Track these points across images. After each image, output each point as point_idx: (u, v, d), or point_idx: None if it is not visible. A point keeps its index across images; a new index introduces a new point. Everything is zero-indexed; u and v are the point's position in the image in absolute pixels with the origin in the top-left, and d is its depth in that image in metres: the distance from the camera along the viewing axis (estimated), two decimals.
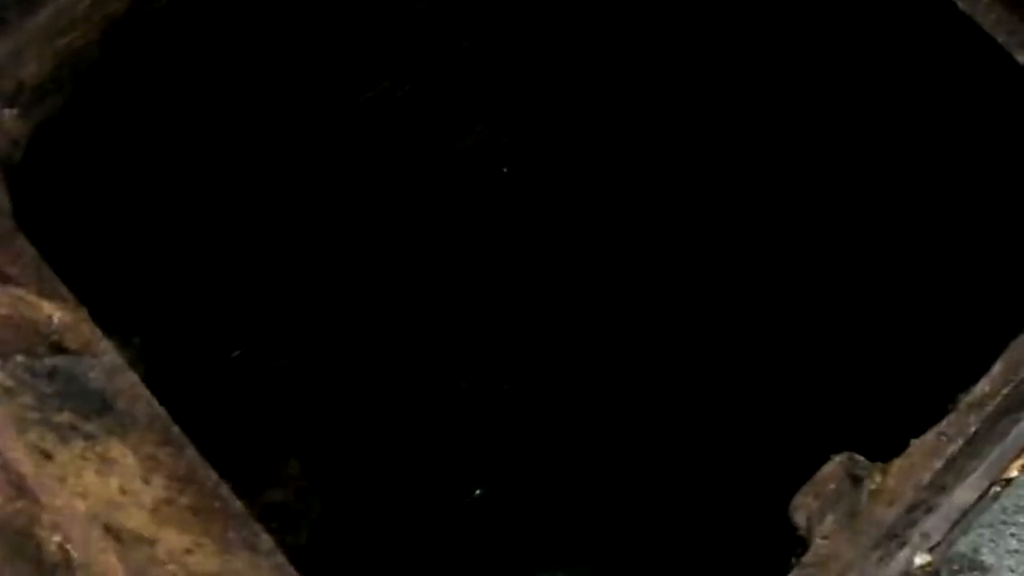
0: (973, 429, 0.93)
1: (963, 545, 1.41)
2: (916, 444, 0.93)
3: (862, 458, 0.94)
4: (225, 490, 0.88)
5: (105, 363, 0.90)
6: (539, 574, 1.61)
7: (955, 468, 0.92)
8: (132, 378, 0.90)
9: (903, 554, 0.90)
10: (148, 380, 1.24)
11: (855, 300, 1.37)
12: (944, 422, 0.94)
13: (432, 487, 1.61)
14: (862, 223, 1.34)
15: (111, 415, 0.88)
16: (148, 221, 1.30)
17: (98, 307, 1.07)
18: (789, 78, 1.33)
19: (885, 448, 0.94)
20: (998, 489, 0.92)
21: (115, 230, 1.26)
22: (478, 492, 1.64)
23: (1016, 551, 1.42)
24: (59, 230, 1.15)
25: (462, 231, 1.58)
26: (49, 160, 1.07)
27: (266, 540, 0.88)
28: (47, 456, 0.84)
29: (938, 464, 0.92)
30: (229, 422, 1.47)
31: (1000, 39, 1.05)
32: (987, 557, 1.42)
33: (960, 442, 0.93)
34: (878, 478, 0.93)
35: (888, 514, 0.91)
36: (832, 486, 0.93)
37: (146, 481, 0.86)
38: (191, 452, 0.89)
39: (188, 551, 0.84)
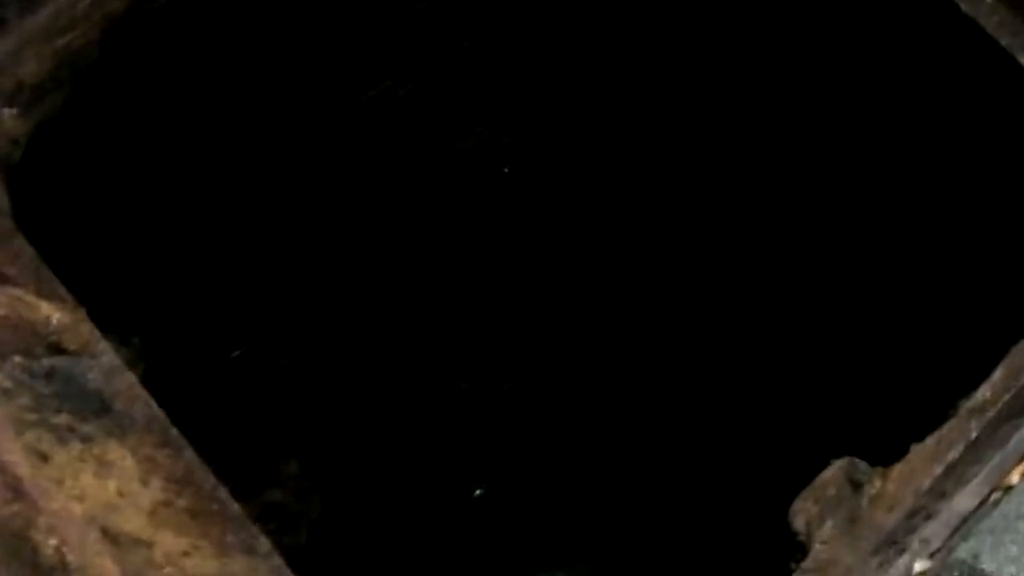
0: (974, 435, 0.93)
1: (963, 551, 1.41)
2: (916, 449, 0.93)
3: (862, 463, 0.93)
4: (223, 492, 0.88)
5: (103, 364, 0.90)
6: (539, 574, 1.61)
7: (955, 474, 0.92)
8: (130, 379, 0.90)
9: (903, 560, 0.89)
10: (148, 380, 1.24)
11: (856, 305, 1.36)
12: (945, 428, 0.93)
13: (432, 487, 1.61)
14: (864, 226, 1.33)
15: (109, 416, 0.88)
16: (148, 220, 1.29)
17: (98, 306, 1.06)
18: (791, 79, 1.33)
19: (886, 453, 0.94)
20: (999, 495, 0.92)
21: (115, 229, 1.26)
22: (478, 492, 1.64)
23: (1016, 558, 1.41)
24: (59, 229, 1.14)
25: (462, 231, 1.58)
26: (49, 159, 1.07)
27: (264, 543, 0.87)
28: (44, 458, 0.84)
29: (938, 470, 0.92)
30: (229, 422, 1.46)
31: (1003, 41, 1.05)
32: (987, 564, 1.41)
33: (961, 448, 0.93)
34: (878, 483, 0.92)
35: (888, 520, 0.91)
36: (832, 491, 0.92)
37: (144, 483, 0.86)
38: (189, 454, 0.88)
39: (185, 554, 0.84)
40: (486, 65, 1.48)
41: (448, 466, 1.62)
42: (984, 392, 0.94)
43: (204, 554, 0.85)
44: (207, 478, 0.88)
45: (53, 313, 0.89)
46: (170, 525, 0.85)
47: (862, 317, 1.35)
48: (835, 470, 0.93)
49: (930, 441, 0.93)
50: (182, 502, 0.86)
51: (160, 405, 0.94)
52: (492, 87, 1.51)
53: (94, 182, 1.19)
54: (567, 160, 1.57)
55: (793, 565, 0.90)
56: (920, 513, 0.91)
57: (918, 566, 0.89)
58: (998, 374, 0.95)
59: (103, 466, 0.85)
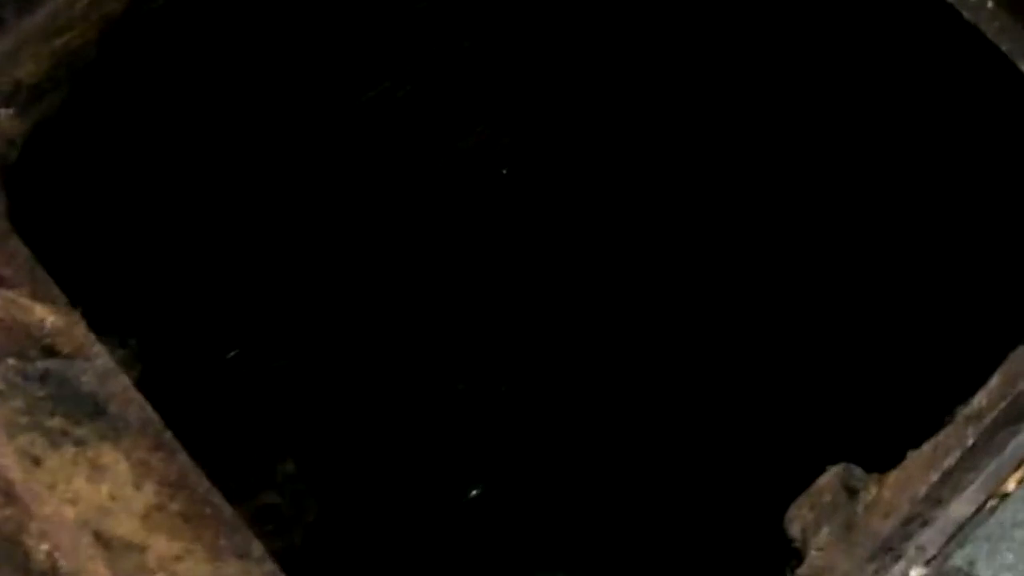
0: (970, 442, 0.93)
1: (959, 559, 1.41)
2: (913, 456, 0.93)
3: (859, 469, 0.93)
4: (216, 496, 0.88)
5: (97, 367, 0.89)
6: (538, 574, 1.61)
7: (952, 481, 0.92)
8: (124, 382, 0.90)
9: (898, 567, 0.89)
10: (145, 381, 1.24)
11: (853, 311, 1.36)
12: (941, 434, 0.93)
13: (428, 488, 1.61)
14: (863, 232, 1.33)
15: (103, 419, 0.88)
16: (145, 221, 1.29)
17: (95, 307, 1.06)
18: (793, 84, 1.33)
19: (882, 459, 0.94)
20: (995, 503, 0.91)
21: (112, 230, 1.26)
22: (475, 492, 1.64)
23: (1012, 566, 1.41)
24: (56, 229, 1.14)
25: (461, 232, 1.57)
26: (46, 160, 1.07)
27: (257, 547, 0.87)
28: (37, 462, 0.84)
29: (934, 477, 0.92)
30: (225, 422, 1.46)
31: (1004, 47, 1.05)
32: (983, 571, 1.41)
33: (957, 455, 0.92)
34: (874, 490, 0.92)
35: (884, 526, 0.91)
36: (828, 497, 0.92)
37: (137, 487, 0.85)
38: (183, 457, 0.88)
39: (178, 558, 0.84)
40: (485, 66, 1.48)
41: (445, 467, 1.61)
42: (981, 399, 0.94)
43: (197, 558, 0.84)
44: (201, 481, 0.88)
45: (47, 316, 0.89)
46: (163, 529, 0.85)
47: (859, 323, 1.35)
48: (831, 476, 0.92)
49: (926, 448, 0.93)
50: (175, 506, 0.86)
51: (157, 406, 0.94)
52: (491, 88, 1.51)
53: (91, 183, 1.19)
54: (566, 161, 1.57)
55: (789, 571, 0.90)
56: (916, 520, 0.91)
57: (914, 573, 0.89)
58: (995, 381, 0.95)
59: (96, 470, 0.85)
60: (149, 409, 0.89)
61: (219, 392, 1.47)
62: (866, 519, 0.91)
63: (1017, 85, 1.04)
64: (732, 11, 1.32)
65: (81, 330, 0.90)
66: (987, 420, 0.93)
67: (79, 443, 0.86)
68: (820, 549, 0.90)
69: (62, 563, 0.80)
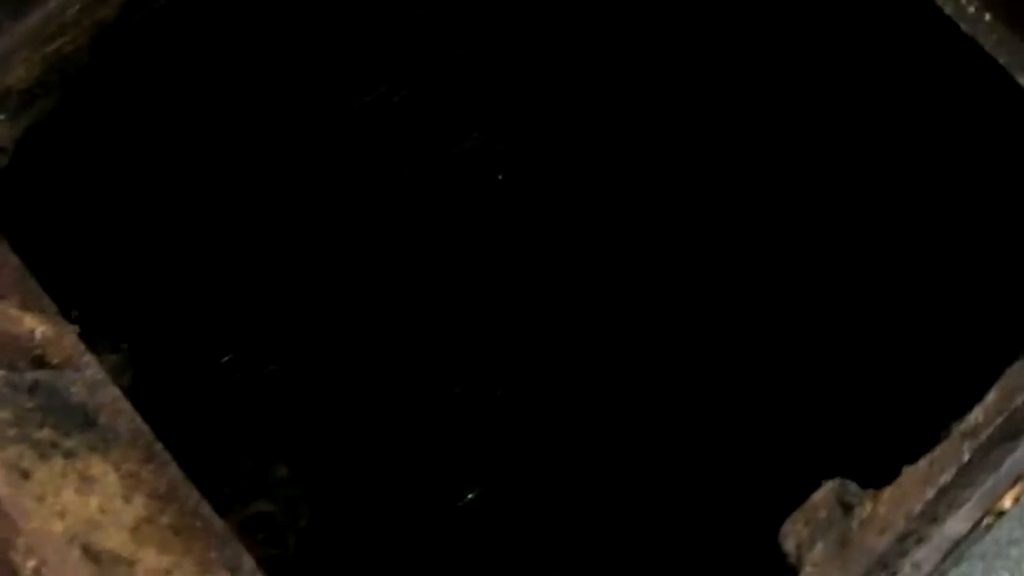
0: (967, 458, 0.92)
1: None
2: (908, 472, 0.92)
3: (854, 485, 0.92)
4: (207, 508, 0.87)
5: (87, 377, 0.89)
6: None
7: (947, 498, 0.91)
8: (114, 392, 0.89)
9: None
10: (137, 386, 1.23)
11: (849, 325, 1.36)
12: (937, 450, 0.93)
13: (424, 492, 1.60)
14: (861, 244, 1.33)
15: (93, 431, 0.87)
16: (138, 226, 1.29)
17: (87, 313, 1.06)
18: (789, 96, 1.32)
19: (878, 474, 0.93)
20: (991, 520, 0.91)
21: (104, 235, 1.25)
22: (470, 496, 1.63)
23: None
24: (47, 235, 1.14)
25: (456, 237, 1.57)
26: (37, 166, 1.07)
27: (248, 560, 0.86)
28: (25, 475, 0.83)
29: (930, 493, 0.91)
30: (218, 426, 1.46)
31: (1002, 60, 1.04)
32: None
33: (953, 471, 0.92)
34: (869, 506, 0.91)
35: (879, 543, 0.90)
36: (823, 513, 0.91)
37: (127, 500, 0.85)
38: (173, 469, 0.87)
39: (168, 572, 0.83)
40: (481, 71, 1.48)
41: (440, 471, 1.61)
42: (977, 414, 0.94)
43: (187, 572, 0.84)
44: (191, 493, 0.87)
45: (37, 326, 0.88)
46: (153, 542, 0.84)
47: (855, 337, 1.35)
48: (826, 492, 0.92)
49: (922, 463, 0.92)
50: (165, 519, 0.85)
51: (149, 411, 0.93)
52: (487, 93, 1.51)
53: (83, 188, 1.18)
54: (562, 167, 1.56)
55: None
56: (911, 537, 0.90)
57: None
58: (992, 396, 0.94)
59: (85, 482, 0.84)
60: (139, 420, 0.89)
61: (212, 397, 1.47)
62: (861, 535, 0.90)
63: (1014, 98, 1.04)
64: (729, 22, 1.32)
65: (71, 340, 0.89)
66: (983, 436, 0.93)
67: (68, 455, 0.85)
68: (815, 565, 0.90)
69: None
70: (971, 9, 1.05)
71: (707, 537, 1.44)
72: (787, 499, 0.93)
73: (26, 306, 0.89)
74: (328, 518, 1.50)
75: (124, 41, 1.07)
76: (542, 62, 1.49)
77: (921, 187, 1.23)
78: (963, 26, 1.04)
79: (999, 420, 0.93)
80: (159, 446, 0.88)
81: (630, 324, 1.58)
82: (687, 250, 1.52)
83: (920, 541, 0.90)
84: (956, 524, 0.90)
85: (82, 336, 0.93)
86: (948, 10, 1.05)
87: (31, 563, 0.78)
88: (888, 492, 0.92)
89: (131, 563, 0.82)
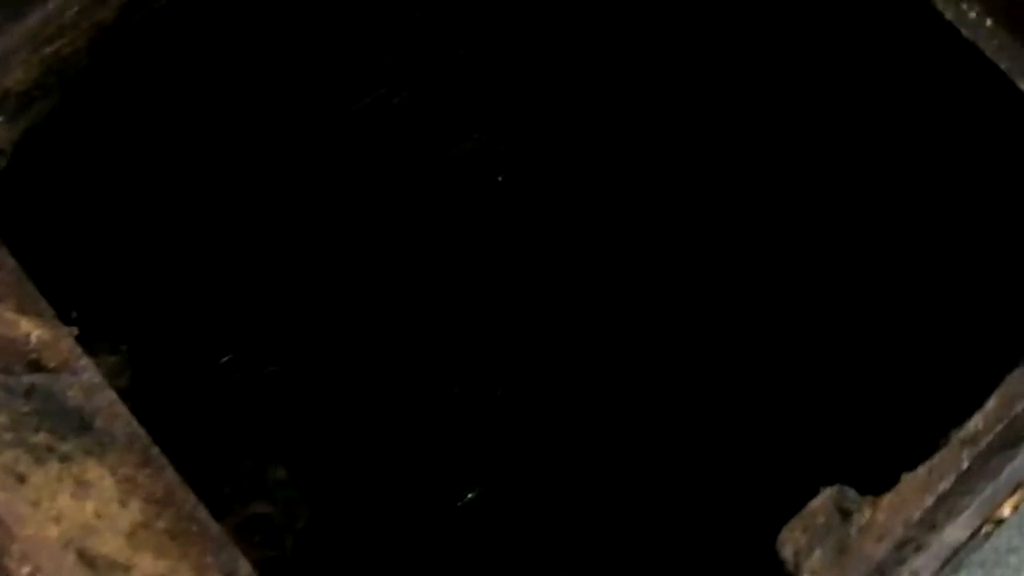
0: (966, 465, 0.92)
1: None
2: (907, 479, 0.92)
3: (852, 491, 0.92)
4: (203, 513, 0.87)
5: (84, 381, 0.88)
6: None
7: (946, 505, 0.91)
8: (111, 396, 0.89)
9: None
10: (136, 386, 1.23)
11: (848, 331, 1.35)
12: (936, 457, 0.92)
13: (424, 492, 1.60)
14: (859, 250, 1.32)
15: (89, 435, 0.87)
16: (137, 228, 1.29)
17: (86, 314, 1.05)
18: (789, 101, 1.32)
19: (876, 481, 0.93)
20: (990, 528, 0.91)
21: (103, 236, 1.25)
22: (470, 496, 1.63)
23: None
24: (46, 237, 1.14)
25: (456, 238, 1.57)
26: (35, 168, 1.06)
27: (244, 565, 0.86)
28: (21, 479, 0.83)
29: (929, 500, 0.91)
30: (217, 428, 1.46)
31: (1003, 65, 1.04)
32: None
33: (952, 478, 0.92)
34: (868, 513, 0.91)
35: (877, 550, 0.90)
36: (821, 520, 0.91)
37: (123, 504, 0.84)
38: (170, 473, 0.87)
39: None
40: (482, 73, 1.47)
41: (439, 471, 1.61)
42: (977, 422, 0.93)
43: None
44: (188, 498, 0.87)
45: (33, 330, 0.88)
46: (149, 547, 0.84)
47: (854, 344, 1.35)
48: (824, 498, 0.92)
49: (921, 471, 0.92)
50: (161, 523, 0.85)
51: (148, 412, 0.93)
52: (488, 95, 1.50)
53: (82, 190, 1.18)
54: (562, 169, 1.56)
55: None
56: (910, 544, 0.90)
57: None
58: (991, 403, 0.94)
59: (81, 486, 0.84)
60: (135, 424, 0.88)
61: (211, 397, 1.47)
62: (859, 542, 0.90)
63: (1016, 104, 1.04)
64: (730, 24, 1.32)
65: (68, 344, 0.89)
66: (983, 443, 0.92)
67: (64, 459, 0.85)
68: (812, 572, 0.89)
69: None
70: (972, 14, 1.05)
71: (704, 543, 1.44)
72: (785, 505, 0.93)
73: (23, 309, 0.89)
74: (326, 519, 1.50)
75: (123, 43, 1.07)
76: (542, 63, 1.49)
77: (922, 192, 1.22)
78: (964, 31, 1.04)
79: (999, 427, 0.93)
80: (155, 450, 0.87)
81: (629, 326, 1.58)
82: (687, 254, 1.52)
83: (919, 549, 0.90)
84: (955, 532, 0.90)
85: (81, 337, 0.93)
86: (949, 15, 1.05)
87: (25, 569, 0.78)
88: (887, 499, 0.91)
89: (127, 568, 0.82)
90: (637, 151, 1.52)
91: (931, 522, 0.90)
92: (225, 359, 1.48)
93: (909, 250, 1.26)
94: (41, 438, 0.85)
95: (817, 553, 0.90)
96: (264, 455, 1.50)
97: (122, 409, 0.88)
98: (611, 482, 1.55)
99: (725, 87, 1.38)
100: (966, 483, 0.92)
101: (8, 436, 0.84)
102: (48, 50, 1.03)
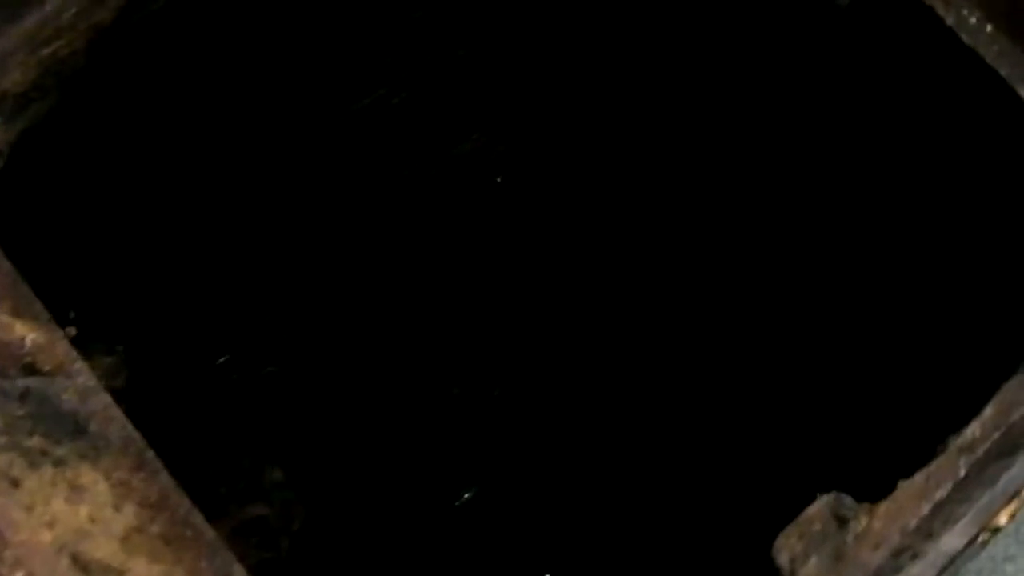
0: (963, 473, 0.92)
1: None
2: (904, 486, 0.92)
3: (849, 498, 0.92)
4: (198, 517, 0.86)
5: (78, 384, 0.88)
6: None
7: (943, 513, 0.91)
8: (106, 399, 0.88)
9: None
10: (132, 387, 1.23)
11: (845, 339, 1.35)
12: (933, 465, 0.92)
13: (421, 491, 1.60)
14: (858, 257, 1.32)
15: (84, 438, 0.86)
16: (134, 228, 1.28)
17: (82, 314, 1.05)
18: (789, 106, 1.32)
19: (873, 488, 0.93)
20: (986, 537, 0.90)
21: (100, 237, 1.25)
22: (467, 496, 1.63)
23: None
24: (43, 237, 1.14)
25: (454, 239, 1.57)
26: (32, 169, 1.06)
27: (239, 569, 0.86)
28: (15, 484, 0.82)
29: (926, 508, 0.91)
30: (214, 428, 1.46)
31: (1003, 72, 1.04)
32: None
33: (949, 486, 0.91)
34: (864, 520, 0.91)
35: (873, 558, 0.90)
36: (817, 527, 0.91)
37: (117, 509, 0.84)
38: (164, 477, 0.87)
39: None
40: (481, 74, 1.47)
41: (437, 470, 1.61)
42: (974, 429, 0.93)
43: None
44: (182, 502, 0.86)
45: (28, 333, 0.88)
46: (143, 552, 0.83)
47: (851, 351, 1.34)
48: (821, 505, 0.91)
49: (918, 478, 0.92)
50: (156, 528, 0.85)
51: (145, 412, 0.93)
52: (487, 96, 1.50)
53: (79, 191, 1.18)
54: (561, 170, 1.56)
55: None
56: (906, 552, 0.90)
57: None
58: (989, 411, 0.94)
59: (75, 491, 0.84)
60: (130, 427, 0.88)
61: (208, 398, 1.47)
62: (856, 550, 0.90)
63: (1016, 110, 1.04)
64: (730, 28, 1.32)
65: (62, 347, 0.88)
66: (980, 451, 0.92)
67: (58, 463, 0.85)
68: None
69: None
70: (973, 20, 1.04)
71: (700, 548, 1.44)
72: (781, 512, 0.93)
73: (17, 313, 0.89)
74: (323, 520, 1.50)
75: (121, 44, 1.07)
76: (541, 64, 1.49)
77: (921, 198, 1.22)
78: (964, 37, 1.04)
79: (996, 435, 0.93)
80: (150, 454, 0.87)
81: (627, 327, 1.58)
82: (685, 256, 1.52)
83: (915, 557, 0.90)
84: (951, 540, 0.90)
85: (77, 338, 0.93)
86: (950, 21, 1.05)
87: (19, 574, 0.78)
88: (883, 506, 0.91)
89: (121, 573, 0.82)
90: (636, 152, 1.52)
91: (927, 530, 0.90)
92: (222, 359, 1.48)
93: (907, 257, 1.26)
94: (35, 442, 0.85)
95: (813, 560, 0.90)
96: (261, 456, 1.50)
97: (117, 413, 0.88)
98: (608, 485, 1.56)
99: (724, 92, 1.38)
100: (963, 491, 0.91)
101: (2, 440, 0.84)
102: (46, 52, 1.02)
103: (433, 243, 1.57)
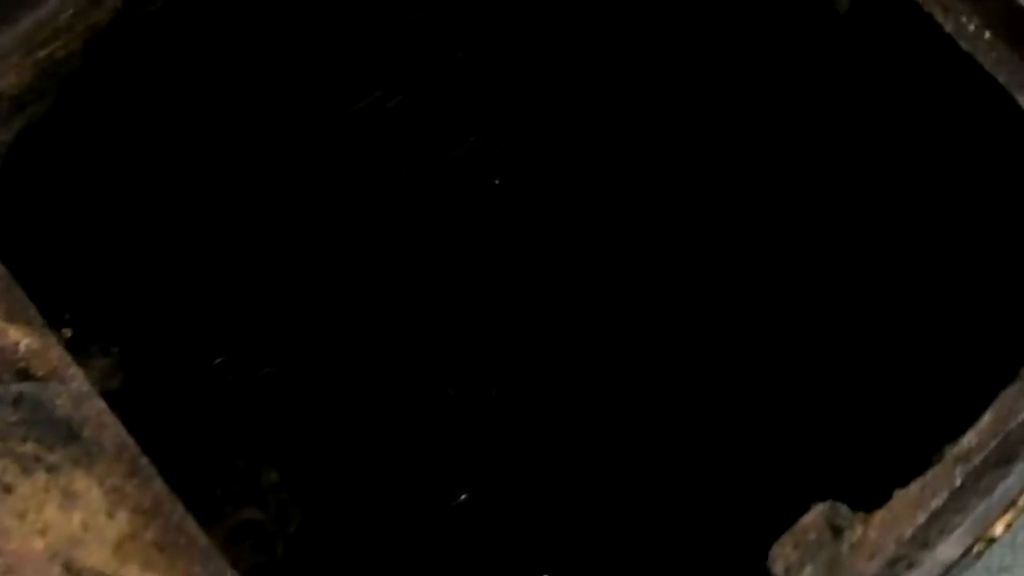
0: (959, 482, 0.92)
1: None
2: (899, 495, 0.92)
3: (844, 507, 0.92)
4: (191, 524, 0.86)
5: (72, 390, 0.87)
6: None
7: (939, 523, 0.91)
8: (100, 405, 0.88)
9: None
10: (128, 389, 1.23)
11: (842, 347, 1.35)
12: (929, 474, 0.92)
13: (417, 493, 1.60)
14: (856, 263, 1.32)
15: (77, 444, 0.86)
16: (130, 230, 1.28)
17: (78, 316, 1.05)
18: (788, 111, 1.31)
19: (869, 497, 0.93)
20: (982, 547, 0.90)
21: (96, 239, 1.25)
22: (463, 497, 1.63)
23: None
24: (39, 239, 1.13)
25: (452, 241, 1.57)
26: (29, 170, 1.06)
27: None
28: (8, 490, 0.82)
29: (921, 518, 0.91)
30: (210, 430, 1.46)
31: (1001, 79, 1.04)
32: None
33: (945, 495, 0.91)
34: (859, 529, 0.91)
35: (869, 567, 0.90)
36: (812, 536, 0.91)
37: (110, 515, 0.84)
38: (158, 483, 0.86)
39: None
40: (479, 76, 1.47)
41: (432, 472, 1.61)
42: (970, 438, 0.93)
43: None
44: (176, 508, 0.86)
45: (22, 338, 0.87)
46: (136, 559, 0.83)
47: (848, 359, 1.34)
48: (816, 514, 0.91)
49: (914, 487, 0.92)
50: (149, 535, 0.84)
51: (141, 414, 0.93)
52: (485, 98, 1.50)
53: (75, 192, 1.18)
54: (559, 172, 1.56)
55: None
56: (902, 562, 0.90)
57: None
58: (985, 420, 0.93)
59: (68, 497, 0.83)
60: (124, 433, 0.88)
61: (204, 399, 1.47)
62: (851, 559, 0.90)
63: (1014, 117, 1.03)
64: (730, 33, 1.31)
65: (56, 352, 0.88)
66: (976, 460, 0.92)
67: (51, 469, 0.84)
68: None
69: None
70: (971, 27, 1.04)
71: (695, 556, 1.44)
72: (777, 521, 0.92)
73: (11, 317, 0.88)
74: (318, 523, 1.50)
75: (117, 46, 1.07)
76: (539, 67, 1.48)
77: (919, 205, 1.22)
78: (962, 44, 1.04)
79: (992, 444, 0.93)
80: (144, 460, 0.87)
81: (624, 329, 1.57)
82: (682, 261, 1.52)
83: (910, 566, 0.90)
84: (947, 550, 0.90)
85: (73, 339, 0.93)
86: (948, 28, 1.04)
87: None
88: (879, 516, 0.91)
89: None
90: (634, 154, 1.52)
91: (923, 540, 0.90)
92: (218, 361, 1.48)
93: (905, 264, 1.25)
94: (28, 448, 0.84)
95: (808, 569, 0.90)
96: (256, 457, 1.50)
97: (111, 419, 0.88)
98: (604, 489, 1.55)
99: (724, 97, 1.37)
100: (959, 500, 0.91)
101: None
102: (42, 53, 1.02)
103: (431, 245, 1.56)
